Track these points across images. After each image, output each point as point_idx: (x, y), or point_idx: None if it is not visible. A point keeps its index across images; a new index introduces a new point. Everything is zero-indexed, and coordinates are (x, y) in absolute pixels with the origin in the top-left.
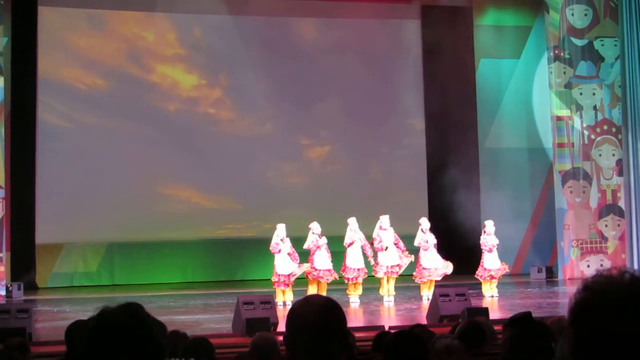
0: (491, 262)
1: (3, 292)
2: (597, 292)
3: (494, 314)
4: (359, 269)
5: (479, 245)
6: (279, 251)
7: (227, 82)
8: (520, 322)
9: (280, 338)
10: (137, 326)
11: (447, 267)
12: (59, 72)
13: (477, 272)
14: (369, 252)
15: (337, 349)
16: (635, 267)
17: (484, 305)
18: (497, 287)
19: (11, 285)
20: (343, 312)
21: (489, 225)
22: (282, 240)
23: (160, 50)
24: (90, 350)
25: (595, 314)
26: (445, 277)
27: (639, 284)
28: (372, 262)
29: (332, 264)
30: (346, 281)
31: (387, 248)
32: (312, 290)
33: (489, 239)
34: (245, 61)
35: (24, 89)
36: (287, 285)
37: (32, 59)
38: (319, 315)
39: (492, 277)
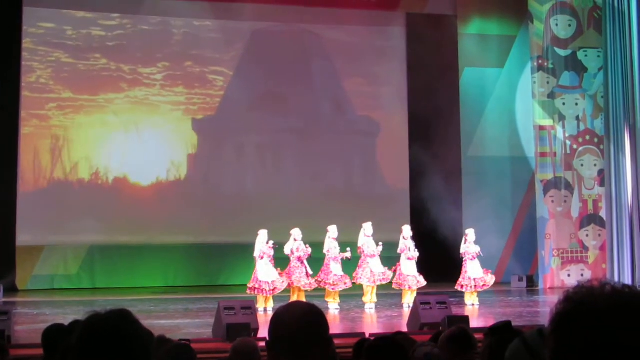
0: (474, 271)
1: None
2: (578, 302)
3: (475, 323)
4: (341, 276)
5: (459, 253)
6: (262, 257)
7: (216, 86)
8: (500, 331)
9: (261, 344)
10: (128, 333)
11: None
12: (41, 72)
13: (458, 281)
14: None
15: (320, 355)
16: (616, 277)
17: (465, 313)
18: (478, 295)
19: None
20: (326, 319)
21: (471, 234)
22: (268, 244)
23: (149, 54)
24: (78, 356)
25: (576, 325)
26: (430, 286)
27: (619, 295)
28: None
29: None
30: (331, 288)
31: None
32: (293, 297)
33: (470, 247)
34: (232, 67)
35: (6, 89)
36: (269, 292)
37: (17, 59)
38: (302, 322)
39: (476, 287)
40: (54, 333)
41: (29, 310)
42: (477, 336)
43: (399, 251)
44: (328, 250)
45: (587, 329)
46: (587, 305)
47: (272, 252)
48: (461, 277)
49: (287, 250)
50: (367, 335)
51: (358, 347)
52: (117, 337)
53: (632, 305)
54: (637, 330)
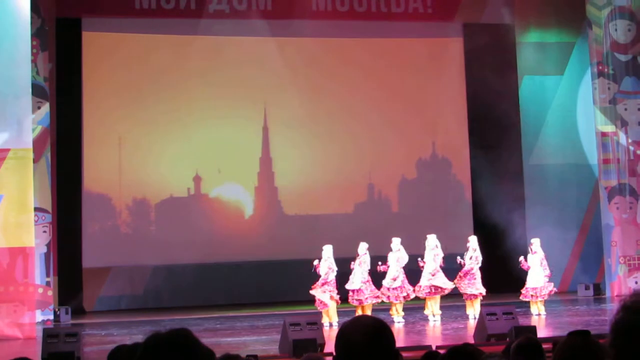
0: (536, 280)
1: (51, 317)
2: (636, 311)
3: (542, 333)
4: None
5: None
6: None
7: (270, 102)
8: (580, 336)
9: (328, 359)
10: (187, 352)
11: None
12: (104, 96)
13: (522, 290)
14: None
15: None
16: None
17: (532, 323)
18: (545, 305)
19: (59, 310)
20: (392, 333)
21: (536, 244)
22: (326, 261)
23: (201, 75)
24: None
25: (635, 333)
26: (492, 296)
27: None
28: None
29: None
30: (394, 301)
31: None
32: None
33: (535, 257)
34: (287, 81)
35: (69, 114)
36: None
37: (77, 85)
38: (369, 336)
39: (536, 296)
40: (119, 354)
41: (97, 332)
42: (545, 346)
43: (470, 261)
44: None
45: None
46: None
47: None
48: (526, 287)
49: (354, 265)
50: (433, 348)
51: (426, 359)
52: (178, 356)
53: None
54: None
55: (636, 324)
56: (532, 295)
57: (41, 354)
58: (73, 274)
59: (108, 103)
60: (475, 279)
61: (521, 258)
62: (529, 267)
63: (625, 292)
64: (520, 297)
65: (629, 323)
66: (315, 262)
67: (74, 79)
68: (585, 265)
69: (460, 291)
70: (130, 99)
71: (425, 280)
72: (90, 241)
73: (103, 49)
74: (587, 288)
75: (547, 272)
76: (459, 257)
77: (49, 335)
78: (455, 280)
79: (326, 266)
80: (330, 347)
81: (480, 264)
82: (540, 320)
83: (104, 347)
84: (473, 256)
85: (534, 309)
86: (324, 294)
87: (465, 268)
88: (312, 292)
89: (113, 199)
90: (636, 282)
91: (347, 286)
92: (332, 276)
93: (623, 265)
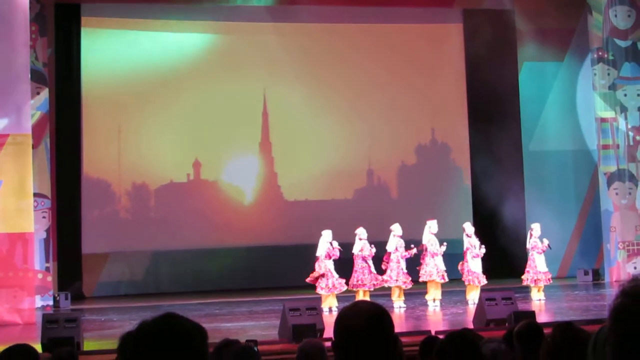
0: (541, 265)
1: (51, 302)
2: (635, 297)
3: (542, 318)
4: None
5: (523, 249)
6: (329, 257)
7: (269, 88)
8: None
9: (327, 344)
10: (175, 337)
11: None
12: (103, 82)
13: (525, 275)
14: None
15: (386, 355)
16: None
17: (532, 309)
18: (544, 290)
19: (58, 295)
20: (391, 318)
21: (536, 229)
22: (330, 244)
23: (201, 60)
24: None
25: (634, 319)
26: (490, 282)
27: None
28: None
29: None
30: (393, 284)
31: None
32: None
33: (537, 242)
34: (286, 67)
35: (69, 99)
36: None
37: (77, 70)
38: (368, 322)
39: (540, 280)
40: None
41: (97, 317)
42: (546, 331)
43: (465, 249)
44: (396, 249)
45: None
46: None
47: (337, 253)
48: (528, 271)
49: (355, 250)
50: (433, 333)
51: (425, 345)
52: (166, 343)
53: None
54: None
55: (635, 309)
56: (535, 280)
57: (41, 339)
58: (72, 260)
59: (107, 88)
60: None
61: (545, 243)
62: (543, 250)
63: (624, 278)
64: (526, 283)
65: (628, 308)
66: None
67: (73, 64)
68: (584, 251)
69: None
70: (130, 84)
71: (426, 266)
72: (90, 227)
73: (102, 34)
74: (586, 273)
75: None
76: (444, 243)
77: (49, 320)
78: (459, 267)
79: (324, 249)
80: (329, 332)
81: (477, 251)
82: (541, 305)
83: (103, 333)
84: (471, 242)
85: (534, 295)
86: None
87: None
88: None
89: (112, 185)
90: (635, 268)
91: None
92: (330, 264)
93: (622, 251)
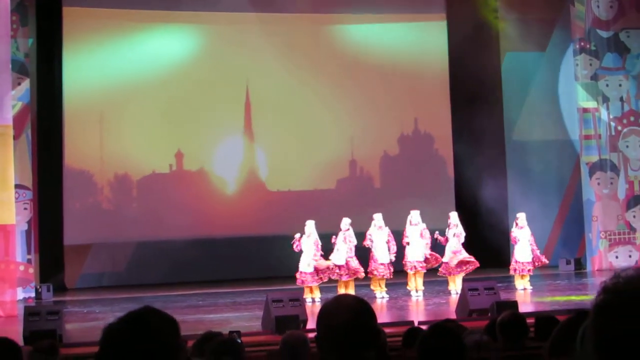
0: (523, 255)
1: (33, 294)
2: (617, 293)
3: (524, 308)
4: (386, 264)
5: (506, 238)
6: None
7: (252, 79)
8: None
9: (311, 335)
10: (143, 340)
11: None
12: (85, 72)
13: (511, 265)
14: (393, 248)
15: (368, 349)
16: None
17: (515, 298)
18: (529, 280)
19: (40, 287)
20: (374, 312)
21: (521, 218)
22: (308, 236)
23: (183, 50)
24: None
25: (615, 314)
26: (476, 271)
27: None
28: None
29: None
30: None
31: (408, 243)
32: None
33: (522, 232)
34: (269, 57)
35: (50, 90)
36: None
37: (58, 60)
38: (350, 316)
39: (524, 270)
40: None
41: (79, 309)
42: (528, 321)
43: (454, 237)
44: (372, 240)
45: (625, 318)
46: (625, 294)
47: (300, 246)
48: (512, 262)
49: (338, 240)
50: (416, 324)
51: (408, 336)
52: (135, 346)
53: None
54: None
55: (617, 304)
56: (514, 269)
57: (22, 332)
58: (54, 251)
59: (89, 79)
60: (461, 255)
61: (514, 232)
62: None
63: (606, 267)
64: (511, 272)
65: (610, 304)
66: (297, 236)
67: (54, 54)
68: (566, 240)
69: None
70: (111, 74)
71: (414, 256)
72: (72, 218)
73: (84, 24)
74: (568, 263)
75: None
76: (437, 233)
77: (30, 313)
78: (448, 259)
79: (312, 242)
80: (312, 323)
81: (463, 240)
82: (526, 294)
83: (85, 325)
84: (456, 232)
85: (519, 284)
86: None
87: (453, 247)
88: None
89: (94, 176)
90: (617, 257)
91: (334, 261)
92: (317, 254)
93: (604, 240)
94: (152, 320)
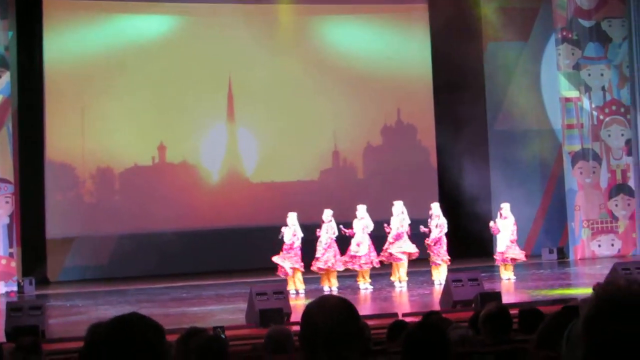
0: (500, 245)
1: (15, 288)
2: (608, 300)
3: (508, 298)
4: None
5: (489, 227)
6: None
7: (234, 70)
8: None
9: (295, 328)
10: (129, 345)
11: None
12: (66, 65)
13: (495, 255)
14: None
15: (352, 349)
16: None
17: (499, 288)
18: (514, 269)
19: (23, 281)
20: (357, 312)
21: (506, 209)
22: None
23: (165, 42)
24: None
25: (606, 321)
26: (460, 261)
27: None
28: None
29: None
30: (358, 268)
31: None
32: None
33: (506, 222)
34: (251, 49)
35: (31, 83)
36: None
37: (39, 53)
38: (334, 317)
39: (505, 260)
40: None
41: (62, 303)
42: (511, 312)
43: (437, 228)
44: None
45: (616, 325)
46: (617, 302)
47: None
48: (497, 252)
49: (320, 232)
50: (400, 316)
51: (392, 330)
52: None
53: None
54: None
55: (607, 311)
56: (503, 260)
57: (4, 327)
58: (36, 245)
59: (70, 71)
60: (441, 246)
61: (491, 223)
62: (498, 231)
63: (589, 256)
64: (496, 263)
65: (600, 311)
66: (283, 229)
67: (35, 47)
68: (549, 230)
69: (431, 259)
70: (93, 66)
71: (391, 246)
72: (54, 211)
73: (64, 16)
74: (550, 252)
75: (514, 237)
76: (421, 227)
77: (12, 309)
78: (428, 250)
79: (290, 233)
80: (297, 316)
81: (446, 230)
82: (510, 284)
83: (68, 319)
84: (438, 223)
85: (503, 274)
86: (284, 261)
87: (434, 236)
88: (273, 259)
89: (76, 169)
90: (599, 246)
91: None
92: (297, 243)
93: (586, 229)
94: (137, 325)
